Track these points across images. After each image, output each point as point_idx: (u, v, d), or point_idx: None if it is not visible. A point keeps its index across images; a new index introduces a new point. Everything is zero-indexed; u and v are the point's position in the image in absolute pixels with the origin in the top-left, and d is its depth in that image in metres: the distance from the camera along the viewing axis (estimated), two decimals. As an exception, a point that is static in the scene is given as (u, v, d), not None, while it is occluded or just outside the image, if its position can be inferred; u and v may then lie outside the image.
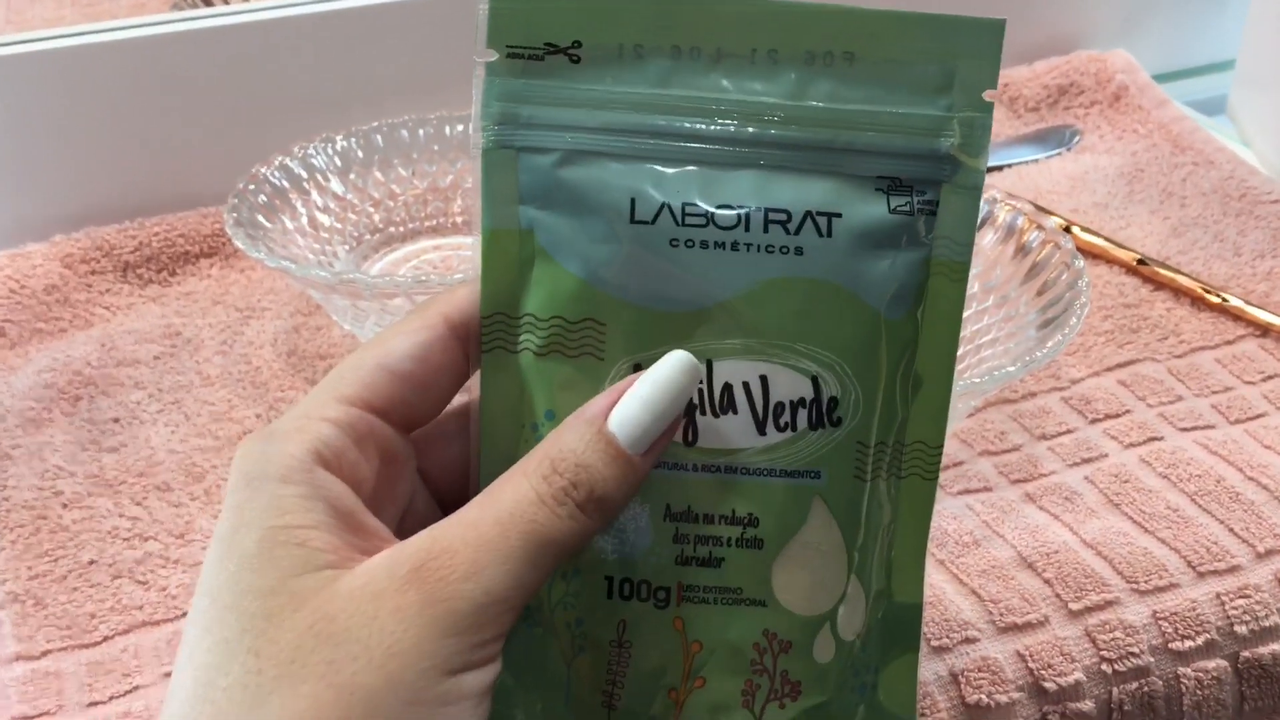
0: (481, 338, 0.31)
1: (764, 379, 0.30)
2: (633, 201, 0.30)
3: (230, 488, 0.28)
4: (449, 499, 0.32)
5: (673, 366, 0.29)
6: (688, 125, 0.30)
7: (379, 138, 0.60)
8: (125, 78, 0.61)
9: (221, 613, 0.27)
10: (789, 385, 0.30)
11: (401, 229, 0.60)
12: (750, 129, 0.30)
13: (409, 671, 0.26)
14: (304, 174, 0.57)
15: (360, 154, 0.59)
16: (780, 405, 0.30)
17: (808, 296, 0.30)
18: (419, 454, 0.32)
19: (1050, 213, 0.61)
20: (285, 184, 0.57)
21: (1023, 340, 0.48)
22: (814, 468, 0.31)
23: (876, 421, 0.31)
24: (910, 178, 0.31)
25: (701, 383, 0.30)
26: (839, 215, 0.30)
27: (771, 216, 0.30)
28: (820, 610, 0.31)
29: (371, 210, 0.60)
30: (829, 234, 0.30)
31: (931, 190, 0.31)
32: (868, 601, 0.32)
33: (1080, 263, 0.48)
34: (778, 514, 0.30)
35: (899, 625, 0.32)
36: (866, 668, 0.32)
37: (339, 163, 0.59)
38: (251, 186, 0.55)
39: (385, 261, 0.59)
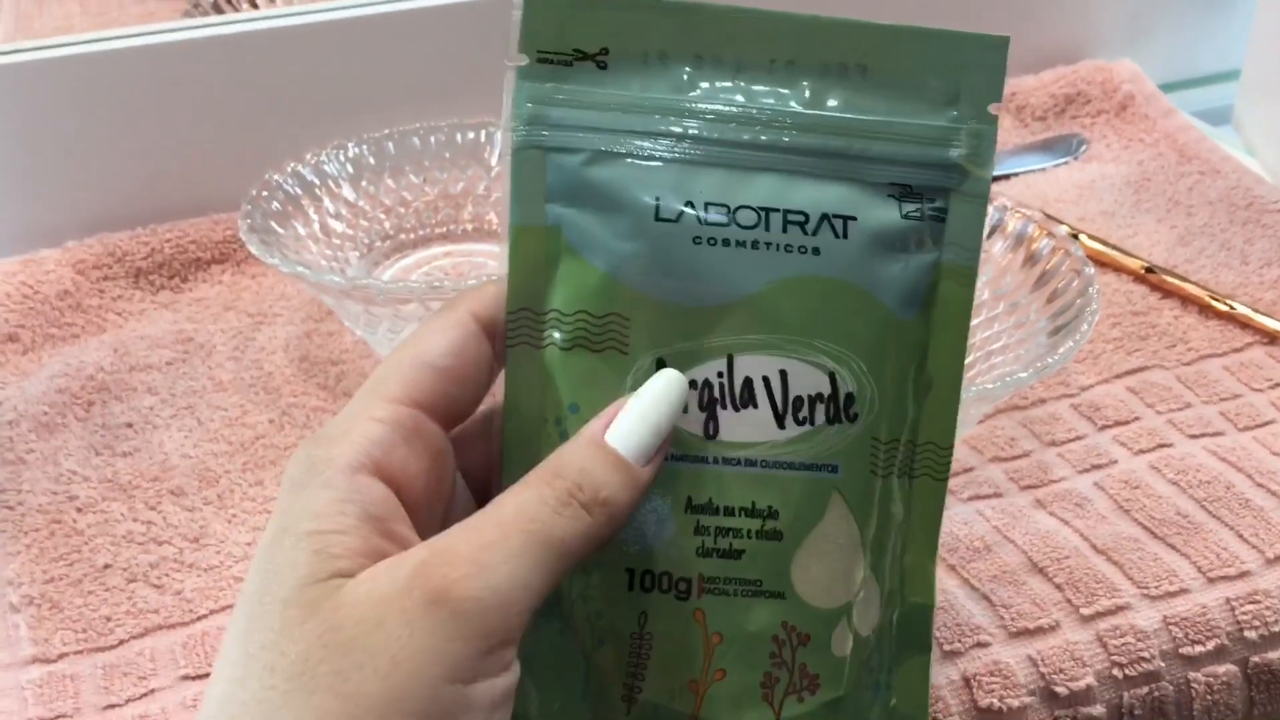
0: (507, 333, 0.31)
1: (783, 373, 0.31)
2: (657, 200, 0.31)
3: (280, 494, 0.29)
4: (486, 500, 0.32)
5: (663, 382, 0.30)
6: (710, 130, 0.31)
7: (390, 145, 0.60)
8: (137, 85, 0.61)
9: (248, 623, 0.27)
10: (807, 380, 0.31)
11: (413, 235, 0.60)
12: (770, 135, 0.31)
13: (415, 680, 0.26)
14: (316, 181, 0.58)
15: (372, 161, 0.60)
16: (799, 399, 0.31)
17: (825, 295, 0.31)
18: (457, 454, 0.32)
19: (1058, 221, 0.62)
20: (298, 191, 0.57)
21: (1033, 347, 0.48)
22: (831, 461, 0.31)
23: (889, 419, 0.32)
24: (920, 185, 0.32)
25: (722, 376, 0.31)
26: (854, 219, 0.31)
27: (790, 218, 0.31)
28: (837, 603, 0.32)
29: (383, 217, 0.60)
30: (845, 235, 0.31)
31: (940, 198, 0.32)
32: (882, 597, 0.32)
33: (1090, 270, 0.48)
34: (797, 507, 0.31)
35: (911, 626, 0.33)
36: (881, 667, 0.32)
37: (351, 169, 0.59)
38: (265, 193, 0.55)
39: (397, 268, 0.59)
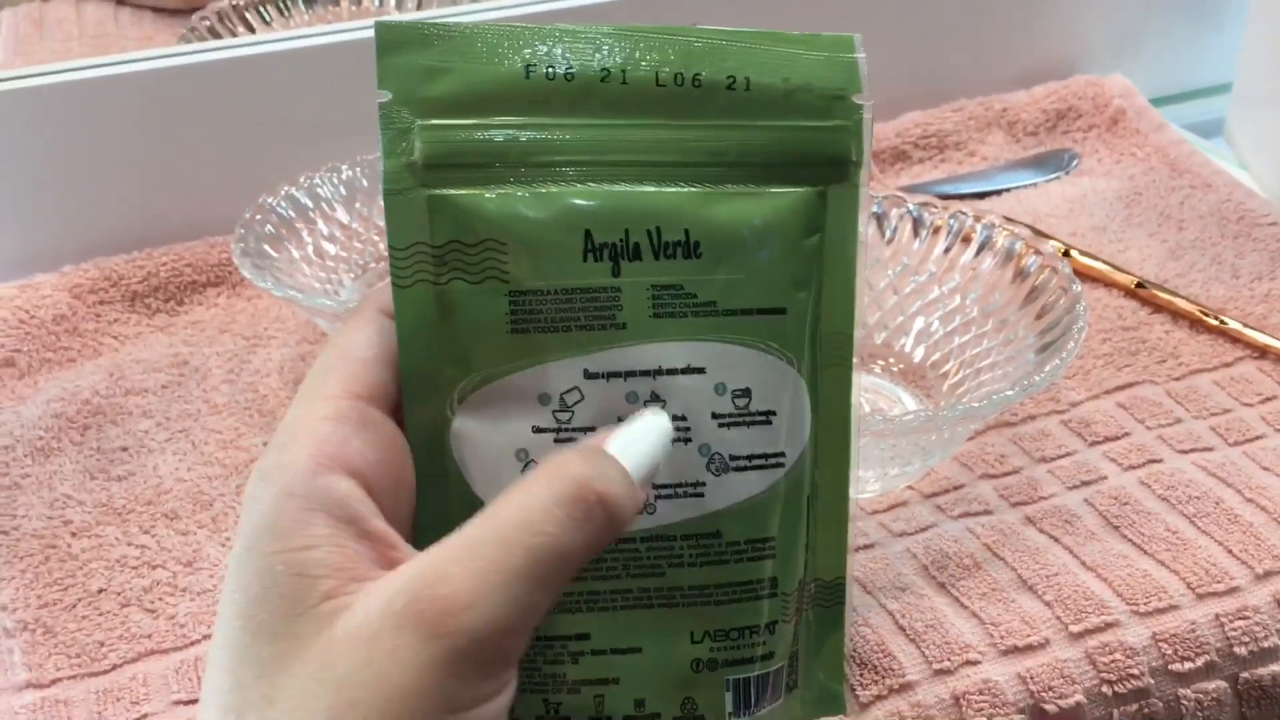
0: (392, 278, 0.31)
1: None
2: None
3: (242, 513, 0.28)
4: None
5: (657, 418, 0.30)
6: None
7: (383, 167, 0.60)
8: (133, 110, 0.62)
9: (238, 651, 0.27)
10: None
11: (406, 257, 0.61)
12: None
13: (411, 716, 0.25)
14: (310, 203, 0.58)
15: (365, 183, 0.60)
16: None
17: None
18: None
19: (1049, 236, 0.62)
20: (291, 214, 0.57)
21: (1022, 364, 0.48)
22: None
23: None
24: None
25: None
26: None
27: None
28: None
29: (377, 239, 0.60)
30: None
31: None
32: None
33: (1078, 287, 0.48)
34: None
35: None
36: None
37: (344, 192, 0.60)
38: (258, 216, 0.56)
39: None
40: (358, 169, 0.60)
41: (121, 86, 0.61)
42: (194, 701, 0.41)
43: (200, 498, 0.49)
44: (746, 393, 0.32)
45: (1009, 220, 0.54)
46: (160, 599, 0.45)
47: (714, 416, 0.31)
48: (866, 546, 0.46)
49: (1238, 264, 0.60)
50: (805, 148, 0.32)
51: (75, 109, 0.61)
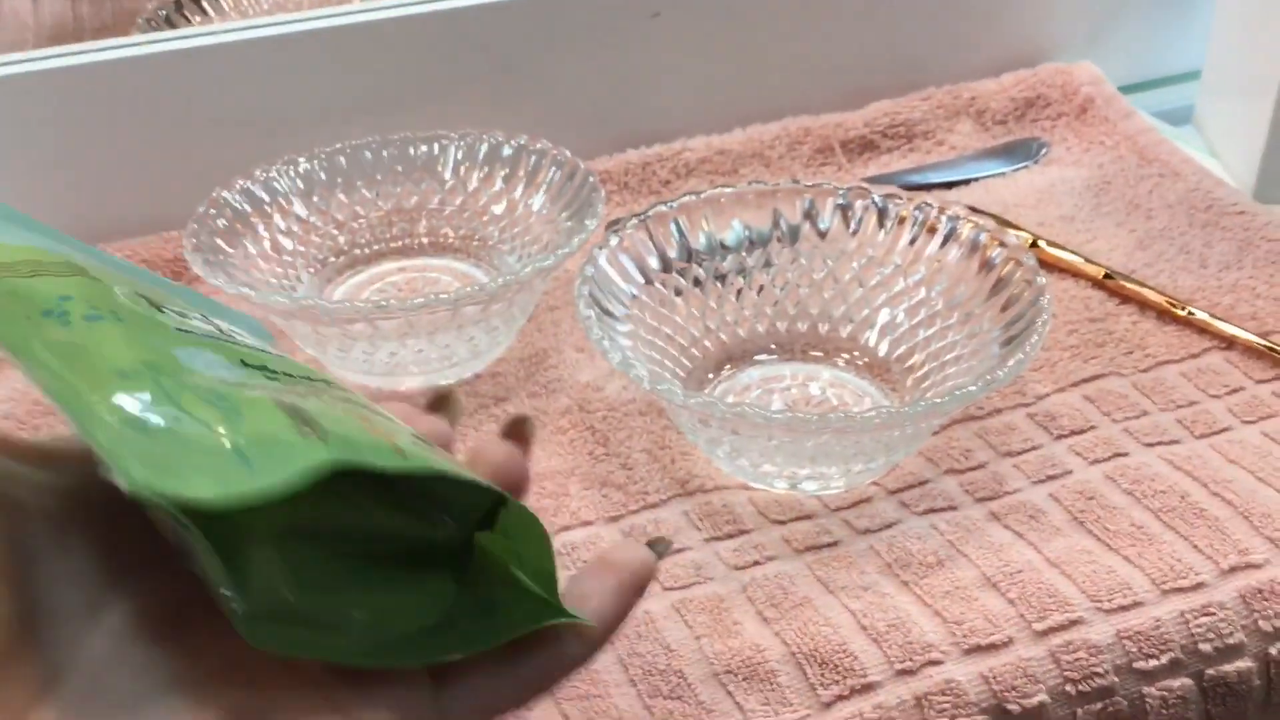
0: None
1: None
2: None
3: None
4: None
5: None
6: None
7: (342, 159, 0.59)
8: (86, 102, 0.60)
9: None
10: None
11: (366, 251, 0.60)
12: None
13: None
14: (266, 197, 0.57)
15: (323, 176, 0.59)
16: None
17: None
18: None
19: (1017, 227, 0.61)
20: (247, 208, 0.56)
21: (987, 357, 0.48)
22: None
23: None
24: None
25: None
26: None
27: None
28: None
29: (335, 232, 0.59)
30: None
31: None
32: None
33: (1042, 279, 0.48)
34: None
35: None
36: None
37: (301, 185, 0.58)
38: (212, 211, 0.55)
39: (350, 284, 0.59)
40: (315, 161, 0.59)
41: (75, 78, 0.60)
42: None
43: (153, 499, 0.48)
44: None
45: (974, 211, 0.53)
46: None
47: None
48: (830, 544, 0.45)
49: (1206, 253, 0.59)
50: None
51: (27, 100, 0.59)
